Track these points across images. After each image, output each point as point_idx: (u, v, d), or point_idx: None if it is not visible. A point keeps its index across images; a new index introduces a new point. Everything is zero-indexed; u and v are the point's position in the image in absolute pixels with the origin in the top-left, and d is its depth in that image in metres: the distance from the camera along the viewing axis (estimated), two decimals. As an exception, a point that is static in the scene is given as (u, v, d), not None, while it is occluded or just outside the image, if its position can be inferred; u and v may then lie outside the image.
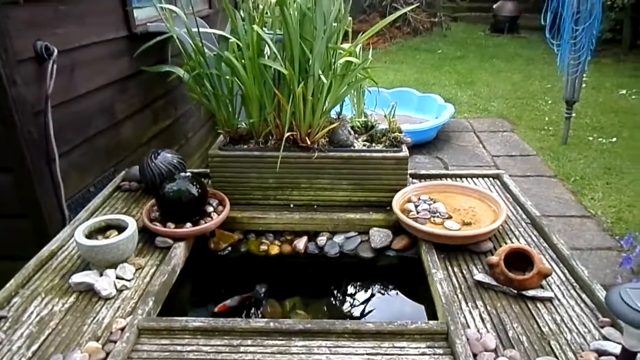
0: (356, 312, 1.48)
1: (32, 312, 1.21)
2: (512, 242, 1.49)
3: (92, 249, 1.31)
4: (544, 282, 1.29)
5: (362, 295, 1.54)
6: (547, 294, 1.25)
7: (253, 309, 1.47)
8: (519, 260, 1.31)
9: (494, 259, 1.31)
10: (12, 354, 1.08)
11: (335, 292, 1.57)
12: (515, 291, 1.25)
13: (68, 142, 1.77)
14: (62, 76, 1.70)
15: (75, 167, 1.83)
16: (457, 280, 1.33)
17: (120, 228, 1.41)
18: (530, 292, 1.25)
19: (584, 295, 1.25)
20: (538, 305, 1.22)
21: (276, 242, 1.67)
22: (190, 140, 3.01)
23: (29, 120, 1.56)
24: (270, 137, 1.72)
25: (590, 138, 4.55)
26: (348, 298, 1.55)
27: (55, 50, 1.63)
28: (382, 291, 1.56)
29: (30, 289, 1.29)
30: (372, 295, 1.54)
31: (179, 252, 1.46)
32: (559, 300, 1.23)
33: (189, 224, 1.53)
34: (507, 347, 1.09)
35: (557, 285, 1.29)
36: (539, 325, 1.15)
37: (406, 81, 6.43)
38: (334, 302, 1.54)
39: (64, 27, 1.74)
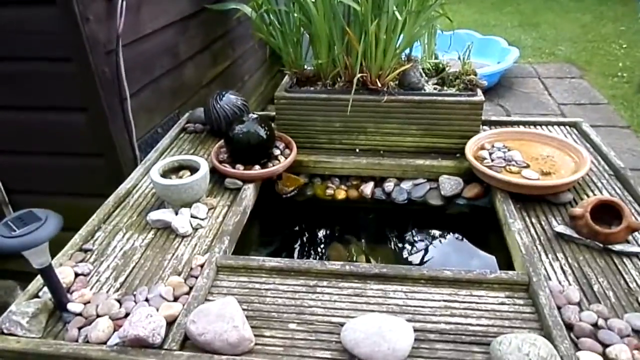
0: (424, 260, 1.46)
1: (115, 247, 1.27)
2: (594, 194, 1.40)
3: (168, 187, 1.34)
4: (630, 238, 1.21)
5: (430, 243, 1.52)
6: (635, 249, 1.18)
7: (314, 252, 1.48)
8: (604, 212, 1.24)
9: (577, 210, 1.24)
10: (101, 284, 1.15)
11: (402, 239, 1.56)
12: (601, 245, 1.19)
13: (136, 82, 1.78)
14: (130, 15, 1.69)
15: (144, 108, 1.85)
16: (536, 232, 1.27)
17: (192, 169, 1.43)
18: (617, 247, 1.18)
19: (675, 252, 1.17)
20: (625, 260, 1.16)
21: (342, 186, 1.65)
22: (247, 83, 2.99)
23: (102, 60, 1.57)
24: (338, 79, 1.67)
25: (670, 85, 4.19)
26: (415, 245, 1.53)
27: (124, -13, 1.61)
28: (452, 240, 1.53)
29: (111, 225, 1.35)
30: (441, 243, 1.52)
31: (249, 193, 1.47)
32: (647, 256, 1.16)
33: (257, 166, 1.53)
34: (593, 302, 1.04)
35: (646, 241, 1.21)
36: (626, 282, 1.10)
37: (464, 22, 6.06)
38: (400, 249, 1.53)
39: (129, -37, 1.71)
